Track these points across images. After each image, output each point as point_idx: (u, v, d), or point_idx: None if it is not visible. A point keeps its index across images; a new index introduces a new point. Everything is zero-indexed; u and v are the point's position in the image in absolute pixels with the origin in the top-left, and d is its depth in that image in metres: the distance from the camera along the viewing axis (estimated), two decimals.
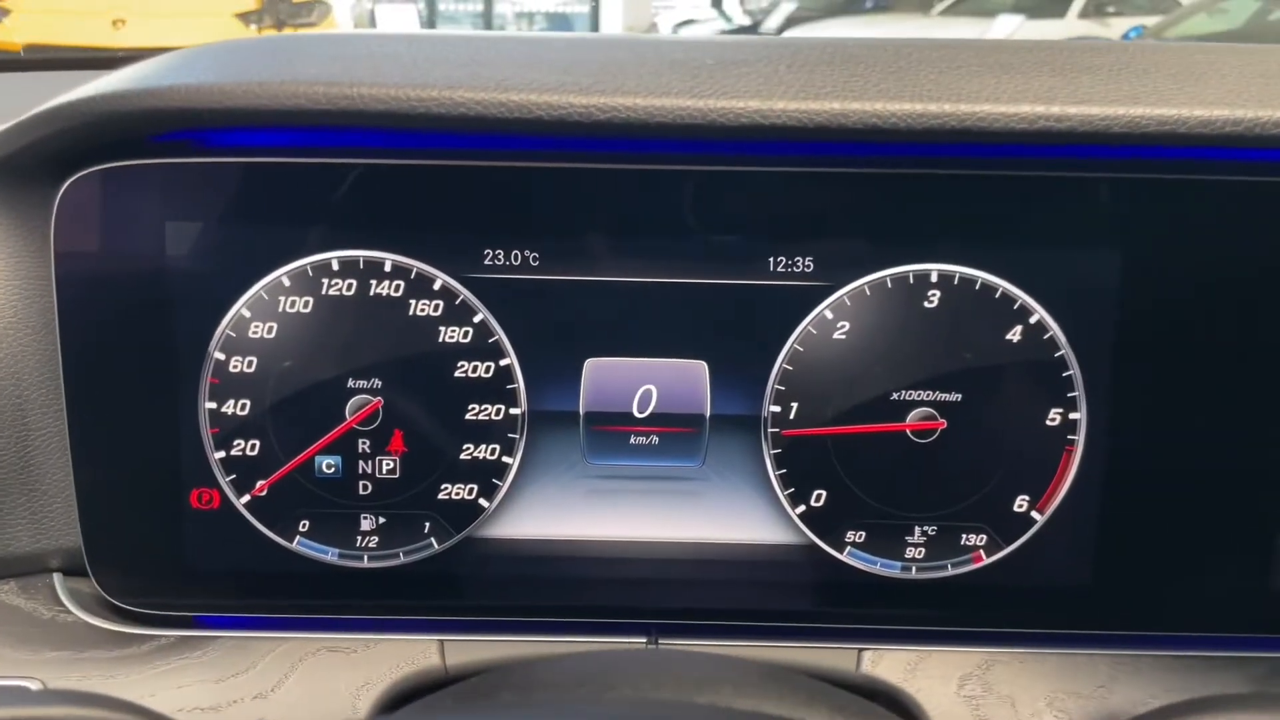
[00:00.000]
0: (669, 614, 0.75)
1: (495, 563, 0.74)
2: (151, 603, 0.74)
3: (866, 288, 0.70)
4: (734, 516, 0.74)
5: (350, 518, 0.73)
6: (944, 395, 0.71)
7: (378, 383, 0.71)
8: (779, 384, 0.71)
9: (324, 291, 0.70)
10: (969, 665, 0.73)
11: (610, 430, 0.73)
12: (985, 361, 0.71)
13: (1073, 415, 0.71)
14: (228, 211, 0.69)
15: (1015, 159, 0.68)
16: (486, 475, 0.73)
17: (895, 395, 0.71)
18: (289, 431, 0.71)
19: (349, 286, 0.70)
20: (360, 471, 0.72)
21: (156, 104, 0.63)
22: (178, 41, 0.73)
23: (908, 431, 0.72)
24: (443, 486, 0.73)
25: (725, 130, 0.62)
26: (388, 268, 0.70)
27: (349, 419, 0.71)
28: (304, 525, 0.73)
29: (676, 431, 0.73)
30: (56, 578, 0.76)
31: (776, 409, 0.72)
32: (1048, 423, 0.71)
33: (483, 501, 0.73)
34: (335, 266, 0.69)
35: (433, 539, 0.74)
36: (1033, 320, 0.70)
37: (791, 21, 9.43)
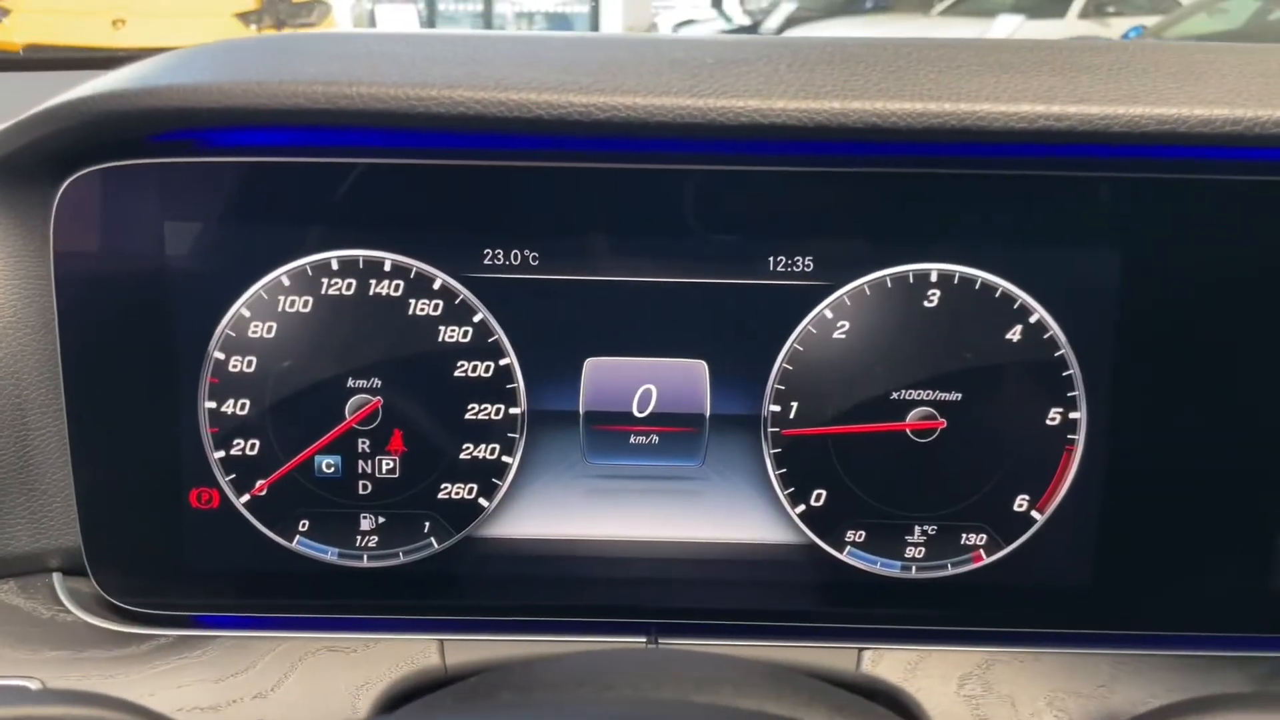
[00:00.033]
0: (669, 613, 0.75)
1: (495, 562, 0.74)
2: (151, 602, 0.74)
3: (866, 287, 0.70)
4: (734, 516, 0.74)
5: (350, 517, 0.73)
6: (944, 395, 0.71)
7: (377, 382, 0.71)
8: (779, 383, 0.71)
9: (323, 291, 0.70)
10: (969, 665, 0.73)
11: (610, 430, 0.72)
12: (985, 361, 0.71)
13: (1073, 415, 0.71)
14: (227, 211, 0.69)
15: (1015, 158, 0.68)
16: (486, 475, 0.73)
17: (895, 395, 0.71)
18: (289, 431, 0.71)
19: (348, 286, 0.70)
20: (360, 471, 0.72)
21: (155, 103, 0.63)
22: (177, 41, 0.73)
23: (908, 431, 0.72)
24: (442, 486, 0.73)
25: (725, 129, 0.62)
26: (387, 267, 0.70)
27: (349, 418, 0.71)
28: (304, 525, 0.73)
29: (676, 431, 0.73)
30: (56, 577, 0.76)
31: (776, 408, 0.72)
32: (1048, 422, 0.71)
33: (482, 501, 0.73)
34: (335, 266, 0.69)
35: (432, 539, 0.73)
36: (1032, 320, 0.70)
37: (791, 22, 9.43)
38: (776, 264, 0.70)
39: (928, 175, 0.68)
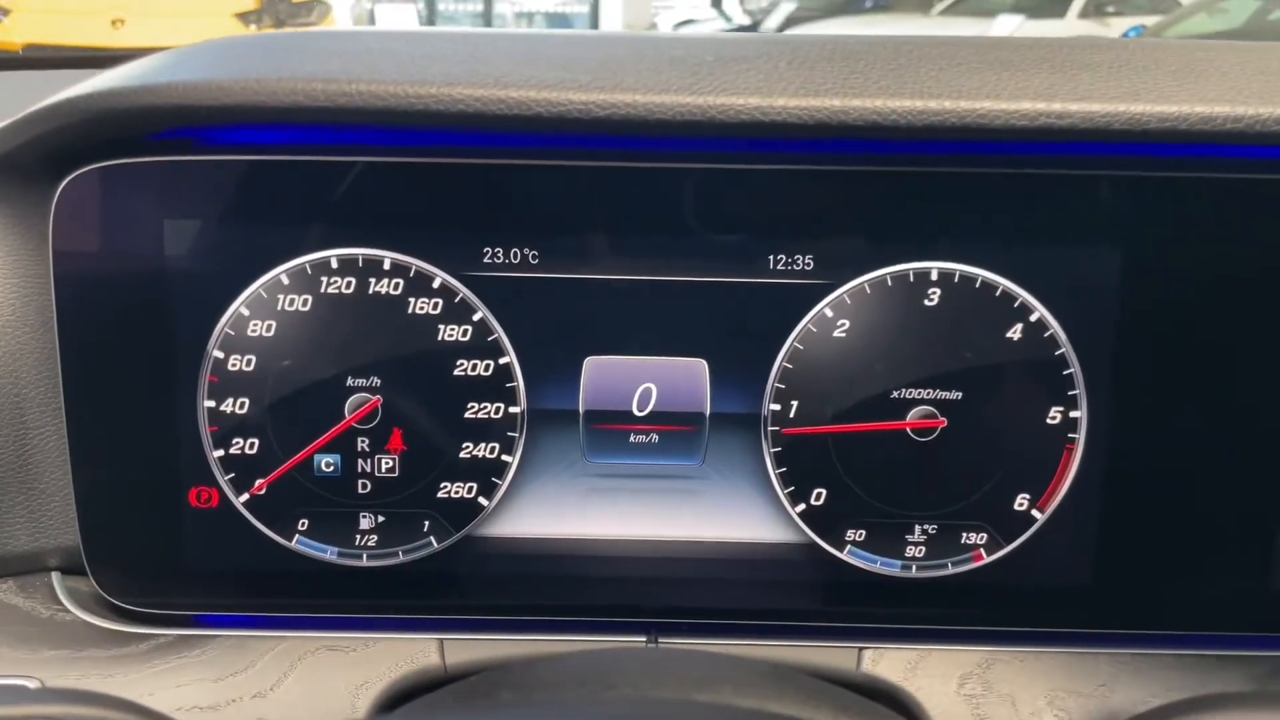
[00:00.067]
0: (669, 613, 0.75)
1: (495, 561, 0.74)
2: (150, 601, 0.74)
3: (867, 286, 0.70)
4: (734, 515, 0.74)
5: (349, 516, 0.73)
6: (944, 394, 0.71)
7: (377, 381, 0.71)
8: (779, 382, 0.71)
9: (323, 290, 0.70)
10: (969, 664, 0.73)
11: (610, 429, 0.72)
12: (985, 360, 0.71)
13: (1073, 414, 0.71)
14: (226, 209, 0.69)
15: (1016, 156, 0.68)
16: (486, 474, 0.73)
17: (895, 393, 0.71)
18: (288, 430, 0.71)
19: (348, 285, 0.70)
20: (359, 470, 0.72)
21: (154, 101, 0.63)
22: (177, 41, 0.73)
23: (908, 430, 0.72)
24: (442, 485, 0.73)
25: (725, 127, 0.62)
26: (387, 266, 0.69)
27: (348, 417, 0.71)
28: (303, 524, 0.73)
29: (676, 430, 0.72)
30: (55, 576, 0.76)
31: (776, 407, 0.71)
32: (1048, 421, 0.71)
33: (482, 500, 0.73)
34: (334, 264, 0.69)
35: (432, 538, 0.73)
36: (1033, 318, 0.70)
37: (791, 21, 9.43)
38: (777, 262, 0.70)
39: (928, 174, 0.68)
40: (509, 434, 0.72)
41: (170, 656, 0.71)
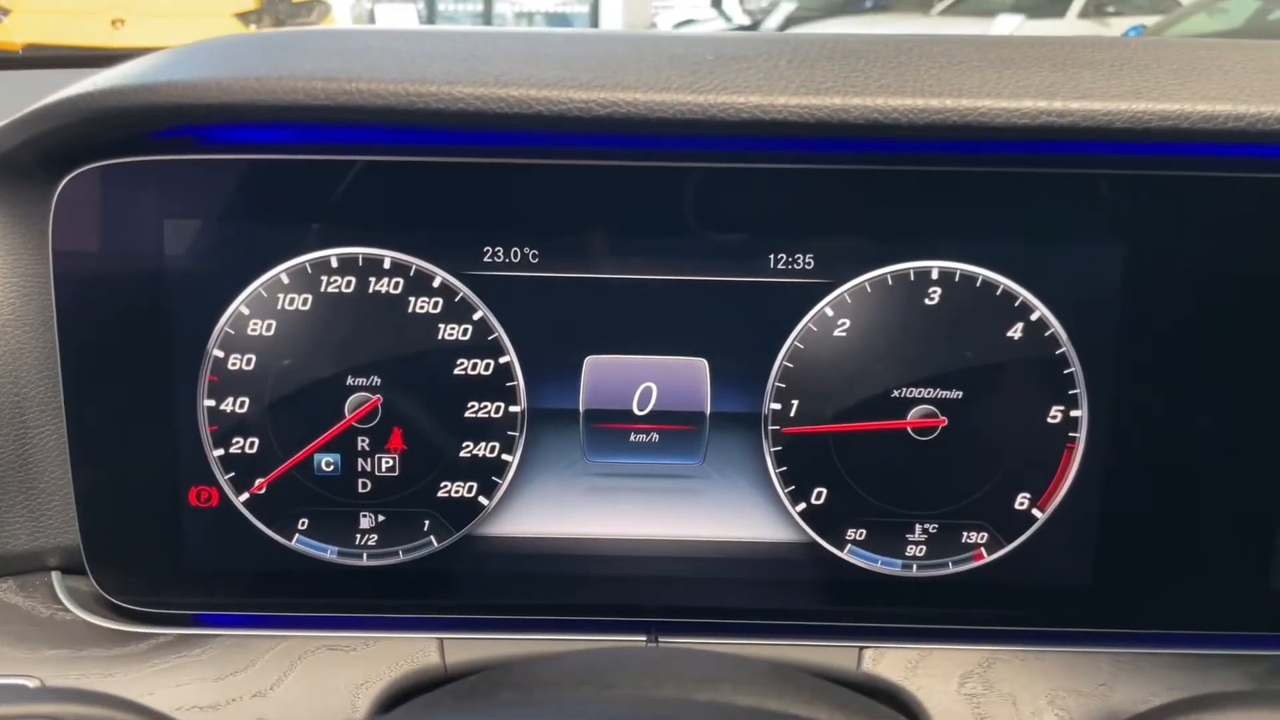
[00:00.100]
0: (669, 612, 0.74)
1: (495, 561, 0.74)
2: (150, 601, 0.74)
3: (867, 285, 0.70)
4: (734, 514, 0.74)
5: (349, 516, 0.73)
6: (945, 393, 0.71)
7: (377, 380, 0.71)
8: (779, 381, 0.71)
9: (323, 289, 0.70)
10: (970, 663, 0.73)
11: (610, 428, 0.72)
12: (986, 359, 0.71)
13: (1074, 413, 0.71)
14: (226, 209, 0.69)
15: (1017, 155, 0.68)
16: (486, 473, 0.72)
17: (896, 393, 0.71)
18: (288, 429, 0.71)
19: (348, 284, 0.70)
20: (359, 469, 0.72)
21: (154, 100, 0.63)
22: (177, 42, 0.73)
23: (908, 429, 0.72)
24: (442, 484, 0.73)
25: (726, 125, 0.62)
26: (387, 265, 0.69)
27: (348, 416, 0.71)
28: (303, 523, 0.73)
29: (677, 429, 0.72)
30: (55, 576, 0.76)
31: (777, 406, 0.71)
32: (1049, 420, 0.71)
33: (482, 499, 0.73)
34: (334, 264, 0.69)
35: (432, 537, 0.73)
36: (1033, 318, 0.70)
37: (791, 21, 9.43)
38: (777, 261, 0.70)
39: (929, 172, 0.68)
40: (509, 433, 0.72)
41: (170, 656, 0.71)
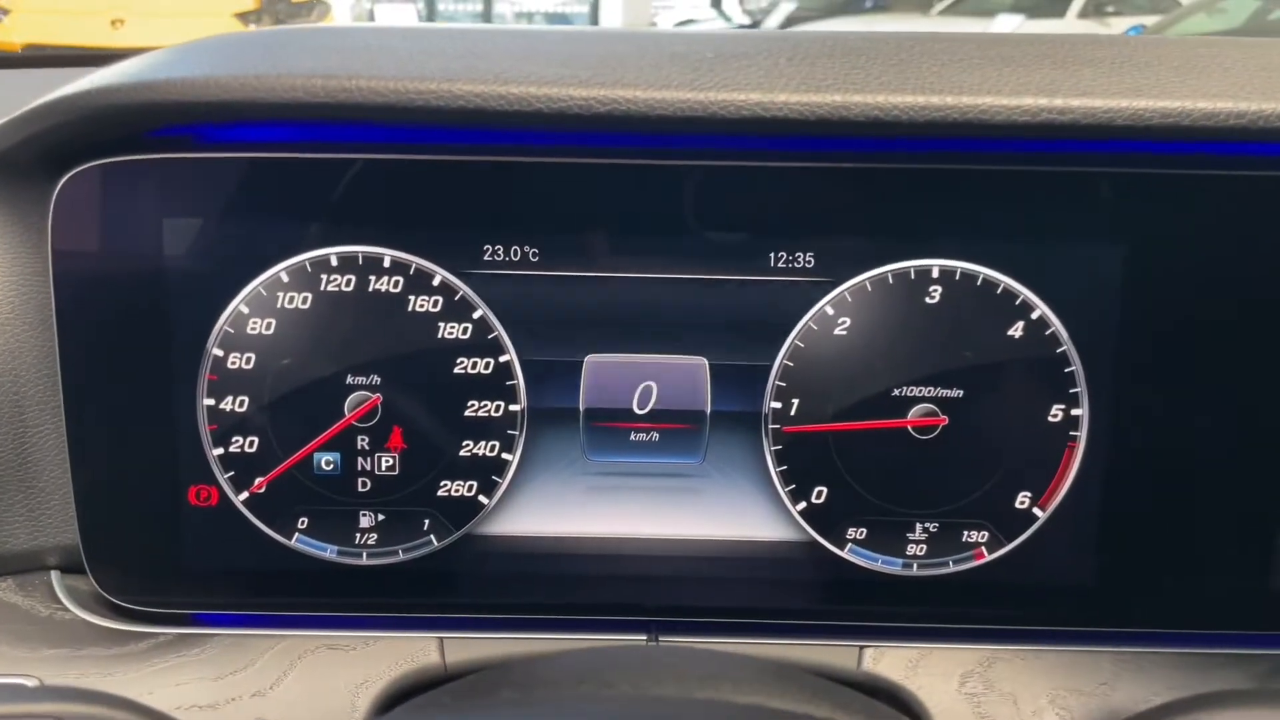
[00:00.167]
0: (669, 611, 0.74)
1: (495, 560, 0.74)
2: (149, 600, 0.74)
3: (868, 283, 0.70)
4: (734, 513, 0.74)
5: (349, 515, 0.73)
6: (945, 391, 0.71)
7: (376, 379, 0.71)
8: (780, 380, 0.71)
9: (322, 287, 0.69)
10: (970, 662, 0.72)
11: (610, 427, 0.72)
12: (987, 358, 0.71)
13: (1075, 412, 0.71)
14: (226, 207, 0.69)
15: (1017, 153, 0.68)
16: (486, 472, 0.72)
17: (896, 391, 0.71)
18: (287, 428, 0.71)
19: (348, 282, 0.69)
20: (359, 468, 0.72)
21: (153, 98, 0.63)
22: (176, 42, 0.73)
23: (909, 428, 0.71)
24: (442, 483, 0.72)
25: (726, 123, 0.62)
26: (386, 263, 0.69)
27: (348, 415, 0.71)
28: (302, 522, 0.73)
29: (677, 428, 0.72)
30: (54, 575, 0.75)
31: (777, 405, 0.71)
32: (1049, 419, 0.71)
33: (482, 498, 0.73)
34: (334, 262, 0.69)
35: (432, 536, 0.73)
36: (1034, 316, 0.70)
37: (791, 21, 9.43)
38: (777, 260, 0.70)
39: (929, 170, 0.68)
40: (509, 432, 0.72)
41: (169, 655, 0.71)
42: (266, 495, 0.72)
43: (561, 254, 0.69)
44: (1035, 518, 0.73)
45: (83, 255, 0.68)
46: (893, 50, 0.67)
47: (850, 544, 0.73)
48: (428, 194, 0.69)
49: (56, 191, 0.67)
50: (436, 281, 0.70)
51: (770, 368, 0.71)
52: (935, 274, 0.70)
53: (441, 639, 0.72)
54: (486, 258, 0.70)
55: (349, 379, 0.71)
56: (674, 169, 0.68)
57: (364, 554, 0.73)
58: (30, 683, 0.65)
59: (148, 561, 0.73)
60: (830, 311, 0.70)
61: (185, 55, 0.67)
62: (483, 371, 0.71)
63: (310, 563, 0.73)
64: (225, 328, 0.70)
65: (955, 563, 0.73)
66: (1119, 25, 7.86)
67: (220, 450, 0.71)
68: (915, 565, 0.74)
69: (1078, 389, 0.71)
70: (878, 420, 0.71)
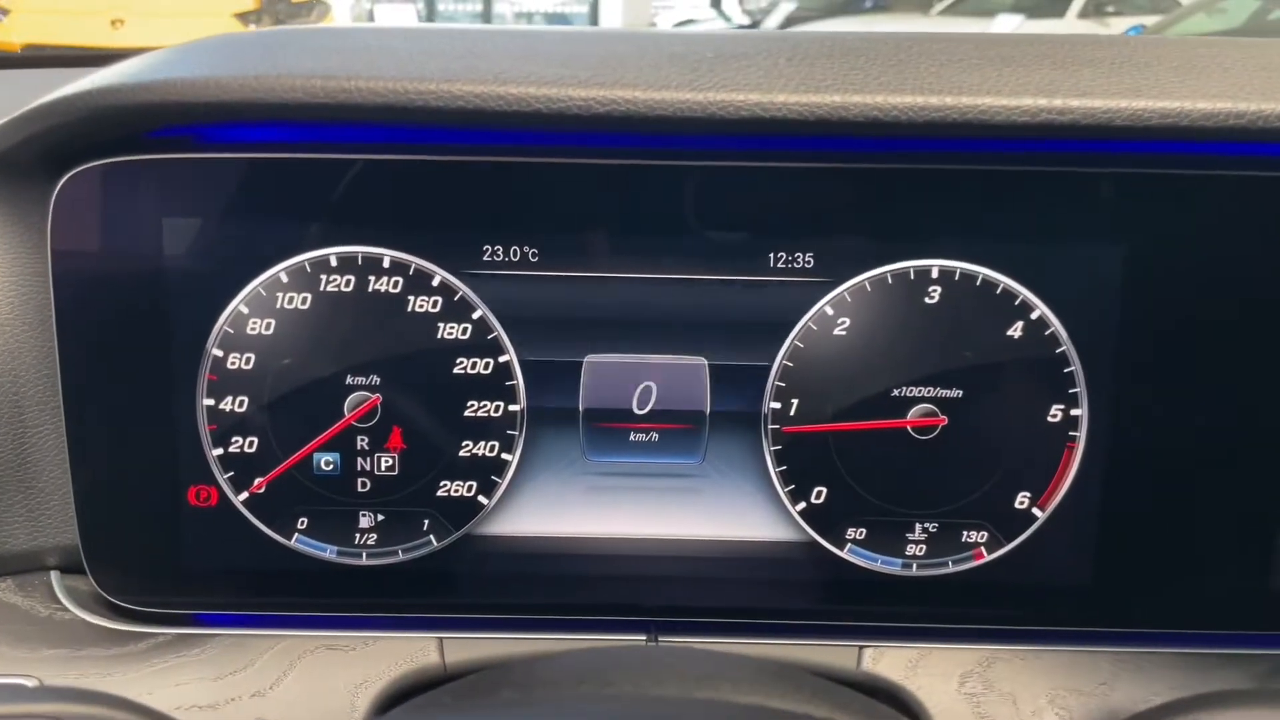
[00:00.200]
0: (669, 611, 0.74)
1: (494, 560, 0.74)
2: (149, 600, 0.74)
3: (867, 283, 0.70)
4: (734, 513, 0.74)
5: (349, 515, 0.73)
6: (945, 391, 0.71)
7: (376, 379, 0.71)
8: (779, 380, 0.71)
9: (322, 287, 0.69)
10: (970, 662, 0.72)
11: (610, 427, 0.72)
12: (986, 358, 0.71)
13: (1074, 412, 0.71)
14: (225, 207, 0.69)
15: (1016, 154, 0.68)
16: (486, 472, 0.72)
17: (896, 392, 0.71)
18: (287, 428, 0.71)
19: (347, 282, 0.69)
20: (359, 468, 0.72)
21: (152, 98, 0.63)
22: (176, 42, 0.73)
23: (908, 428, 0.71)
24: (442, 484, 0.72)
25: (725, 123, 0.62)
26: (386, 264, 0.69)
27: (347, 415, 0.71)
28: (302, 523, 0.73)
29: (676, 428, 0.72)
30: (54, 575, 0.75)
31: (777, 405, 0.71)
32: (1049, 419, 0.71)
33: (482, 499, 0.73)
34: (333, 262, 0.69)
35: (432, 536, 0.73)
36: (1034, 316, 0.70)
37: (791, 21, 9.43)
38: (777, 260, 0.70)
39: (928, 171, 0.68)
40: (509, 432, 0.72)
41: (169, 655, 0.71)
42: (266, 495, 0.72)
43: (561, 254, 0.69)
44: (1035, 518, 0.73)
45: (82, 255, 0.68)
46: (892, 51, 0.67)
47: (850, 544, 0.73)
48: (427, 194, 0.69)
49: (56, 191, 0.67)
50: (436, 282, 0.70)
51: (770, 368, 0.71)
52: (935, 274, 0.70)
53: (441, 639, 0.72)
54: (486, 258, 0.70)
55: (348, 379, 0.71)
56: (673, 169, 0.68)
57: (364, 554, 0.73)
58: (30, 683, 0.65)
59: (147, 562, 0.73)
60: (830, 312, 0.70)
61: (185, 56, 0.67)
62: (482, 372, 0.71)
63: (310, 563, 0.73)
64: (225, 328, 0.70)
65: (955, 563, 0.73)
66: (1119, 25, 7.86)
67: (220, 450, 0.71)
68: (915, 565, 0.74)
69: (1077, 389, 0.71)
70: (877, 420, 0.71)
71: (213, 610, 0.75)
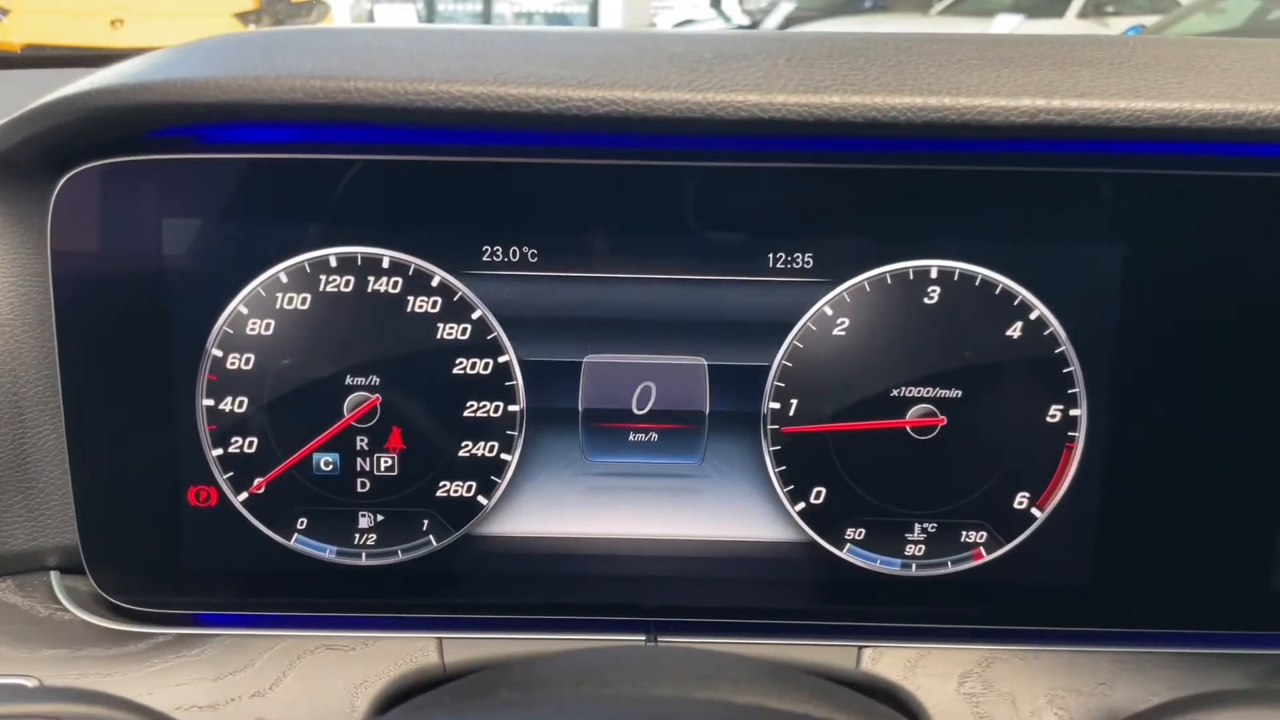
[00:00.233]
0: (668, 611, 0.74)
1: (494, 560, 0.74)
2: (149, 601, 0.74)
3: (866, 284, 0.70)
4: (733, 514, 0.74)
5: (348, 515, 0.73)
6: (944, 392, 0.71)
7: (375, 380, 0.71)
8: (778, 381, 0.71)
9: (321, 288, 0.69)
10: (969, 662, 0.72)
11: (609, 427, 0.72)
12: (985, 358, 0.71)
13: (1073, 412, 0.71)
14: (225, 208, 0.69)
15: (1016, 154, 0.68)
16: (485, 472, 0.72)
17: (895, 392, 0.71)
18: (287, 428, 0.71)
19: (347, 283, 0.69)
20: (358, 469, 0.72)
21: (152, 99, 0.63)
22: (176, 42, 0.73)
23: (908, 428, 0.72)
24: (441, 484, 0.73)
25: (725, 124, 0.62)
26: (385, 264, 0.69)
27: (347, 416, 0.71)
28: (302, 523, 0.73)
29: (676, 429, 0.72)
30: (54, 576, 0.75)
31: (776, 406, 0.71)
32: (1048, 419, 0.71)
33: (481, 499, 0.73)
34: (333, 263, 0.69)
35: (431, 536, 0.73)
36: (1033, 316, 0.70)
37: (790, 22, 9.43)
38: (776, 261, 0.70)
39: (928, 171, 0.68)
40: (508, 432, 0.72)
41: (169, 655, 0.71)
42: (266, 496, 0.72)
43: (560, 254, 0.70)
44: (1034, 518, 0.73)
45: (82, 256, 0.69)
46: (891, 51, 0.67)
47: (849, 544, 0.73)
48: (427, 195, 0.70)
49: (56, 192, 0.67)
50: (435, 282, 0.70)
51: (769, 368, 0.71)
52: (934, 274, 0.70)
53: (440, 639, 0.72)
54: (485, 258, 0.70)
55: (348, 379, 0.71)
56: (673, 169, 0.68)
57: (363, 554, 0.73)
58: (30, 683, 0.65)
59: (147, 562, 0.73)
60: (829, 312, 0.70)
61: (184, 56, 0.67)
62: (482, 372, 0.71)
63: (309, 563, 0.73)
64: (225, 328, 0.70)
65: (954, 563, 0.73)
66: (1118, 25, 7.86)
67: (220, 451, 0.71)
68: (914, 565, 0.74)
69: (1076, 389, 0.71)
70: (876, 420, 0.71)
71: (212, 610, 0.75)
